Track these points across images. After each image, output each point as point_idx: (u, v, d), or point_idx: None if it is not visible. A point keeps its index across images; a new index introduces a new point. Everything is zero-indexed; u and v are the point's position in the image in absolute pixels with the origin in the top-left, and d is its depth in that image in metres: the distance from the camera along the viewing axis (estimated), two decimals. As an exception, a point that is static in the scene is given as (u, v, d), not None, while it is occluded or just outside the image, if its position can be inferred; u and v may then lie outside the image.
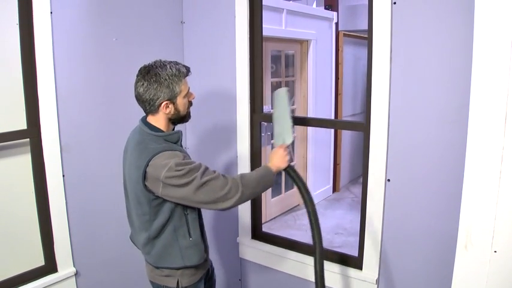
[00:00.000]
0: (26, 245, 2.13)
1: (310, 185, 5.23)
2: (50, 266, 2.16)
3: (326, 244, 4.34)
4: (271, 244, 2.49)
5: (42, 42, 2.00)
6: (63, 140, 2.13)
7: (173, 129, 1.74)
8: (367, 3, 1.94)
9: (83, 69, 2.20)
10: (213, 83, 2.56)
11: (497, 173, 1.19)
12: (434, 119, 1.83)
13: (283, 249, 2.44)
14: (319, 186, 5.41)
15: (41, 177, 2.09)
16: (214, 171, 1.63)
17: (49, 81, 2.04)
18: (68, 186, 2.17)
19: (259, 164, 2.51)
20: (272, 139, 1.83)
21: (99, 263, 2.34)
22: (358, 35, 5.75)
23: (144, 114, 1.73)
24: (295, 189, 5.13)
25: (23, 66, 2.00)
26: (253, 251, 2.56)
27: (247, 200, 1.71)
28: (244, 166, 2.51)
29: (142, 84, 1.61)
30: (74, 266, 2.23)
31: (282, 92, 1.88)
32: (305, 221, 4.77)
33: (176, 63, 1.64)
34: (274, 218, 4.80)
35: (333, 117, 5.43)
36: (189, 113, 1.74)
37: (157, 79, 1.59)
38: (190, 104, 1.72)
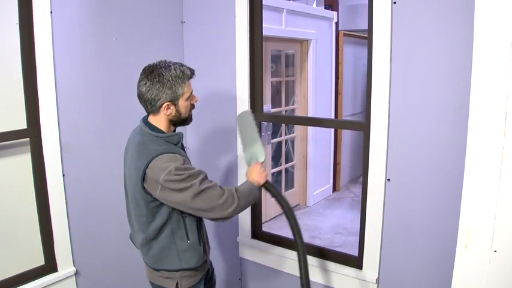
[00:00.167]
0: (26, 245, 2.13)
1: (310, 184, 5.24)
2: (50, 266, 2.16)
3: (326, 244, 4.34)
4: (271, 244, 2.50)
5: (42, 42, 2.00)
6: (63, 140, 2.13)
7: (174, 131, 1.73)
8: (367, 2, 1.94)
9: (83, 68, 2.20)
10: (213, 82, 2.56)
11: (497, 173, 1.19)
12: (435, 119, 1.83)
13: (283, 249, 2.44)
14: (319, 186, 5.41)
15: (41, 176, 2.09)
16: (211, 181, 1.64)
17: (49, 81, 2.04)
18: (68, 186, 2.17)
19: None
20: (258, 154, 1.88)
21: (99, 263, 2.35)
22: (358, 34, 5.75)
23: (145, 114, 1.73)
24: (295, 188, 5.15)
25: (23, 65, 2.00)
26: (253, 251, 2.57)
27: (240, 212, 1.72)
28: (244, 166, 2.50)
29: (145, 83, 1.60)
30: (74, 266, 2.23)
31: (246, 113, 1.94)
32: (305, 220, 4.78)
33: (181, 65, 1.63)
34: (274, 217, 4.80)
35: (333, 116, 5.43)
36: (191, 116, 1.73)
37: (160, 79, 1.58)
38: (192, 106, 1.71)
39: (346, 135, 5.85)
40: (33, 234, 2.12)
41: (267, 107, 4.45)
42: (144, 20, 2.44)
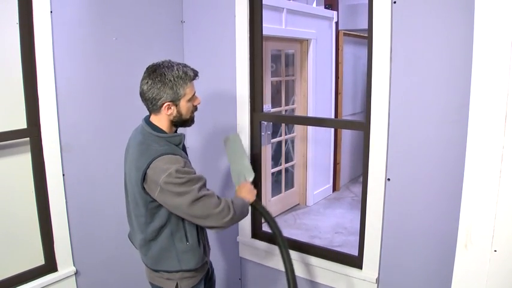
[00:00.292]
0: (26, 244, 2.14)
1: (310, 184, 5.23)
2: (50, 265, 2.16)
3: (326, 243, 4.34)
4: (271, 243, 2.49)
5: (42, 42, 2.00)
6: (63, 140, 2.13)
7: (176, 131, 1.73)
8: (367, 2, 1.94)
9: (83, 68, 2.20)
10: (213, 82, 2.56)
11: (497, 172, 1.19)
12: (435, 119, 1.83)
13: (283, 249, 2.44)
14: (319, 186, 5.41)
15: (41, 176, 2.09)
16: (209, 189, 1.64)
17: (49, 81, 2.04)
18: (68, 186, 2.17)
19: (260, 163, 2.52)
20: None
21: (99, 262, 2.35)
22: (358, 34, 5.75)
23: (147, 114, 1.72)
24: (295, 188, 5.15)
25: (23, 65, 2.00)
26: (253, 250, 2.57)
27: (233, 224, 1.72)
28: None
29: (147, 82, 1.60)
30: (74, 265, 2.23)
31: (234, 136, 1.99)
32: (305, 220, 4.78)
33: (185, 65, 1.62)
34: (274, 217, 4.80)
35: (333, 116, 5.43)
36: (193, 117, 1.72)
37: (161, 79, 1.58)
38: (195, 108, 1.71)
39: (346, 134, 5.85)
40: (33, 234, 2.12)
41: (267, 107, 4.45)
42: (144, 19, 2.44)
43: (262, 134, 3.11)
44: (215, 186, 2.67)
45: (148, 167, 1.55)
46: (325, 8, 5.38)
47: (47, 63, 2.02)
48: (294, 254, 2.39)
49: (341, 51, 5.41)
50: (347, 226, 4.58)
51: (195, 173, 1.62)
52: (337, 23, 5.39)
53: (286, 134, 4.97)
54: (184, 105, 1.64)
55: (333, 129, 5.48)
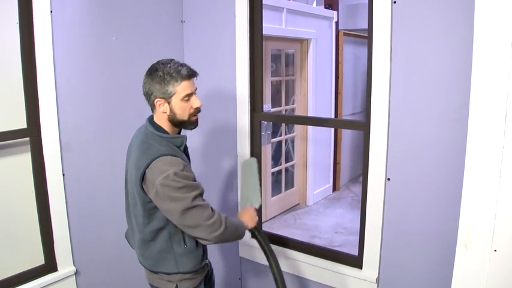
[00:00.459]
0: (26, 244, 2.13)
1: (310, 184, 5.24)
2: (50, 265, 2.16)
3: (326, 243, 4.34)
4: (271, 243, 2.49)
5: (42, 41, 1.99)
6: (63, 139, 2.13)
7: (179, 133, 1.72)
8: (367, 2, 1.94)
9: (83, 68, 2.20)
10: (213, 82, 2.56)
11: (497, 172, 1.19)
12: (435, 118, 1.83)
13: (283, 248, 2.44)
14: (319, 185, 5.41)
15: (41, 176, 2.09)
16: (204, 200, 1.62)
17: (49, 80, 2.04)
18: (68, 186, 2.17)
19: (260, 163, 2.51)
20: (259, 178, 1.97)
21: (99, 262, 2.35)
22: (358, 34, 5.75)
23: (150, 114, 1.72)
24: (295, 188, 5.15)
25: (23, 65, 1.99)
26: (253, 250, 2.56)
27: (221, 242, 1.67)
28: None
29: (144, 77, 1.62)
30: (74, 265, 2.23)
31: (252, 161, 1.98)
32: (305, 220, 4.78)
33: (182, 64, 1.60)
34: (274, 217, 4.81)
35: (333, 116, 5.43)
36: (192, 120, 1.66)
37: (153, 75, 1.59)
38: (194, 111, 1.65)
39: (346, 134, 5.85)
40: (33, 234, 2.12)
41: (267, 107, 4.45)
42: (144, 19, 2.44)
43: (262, 133, 3.12)
44: (215, 186, 2.67)
45: (147, 166, 1.54)
46: (325, 7, 5.38)
47: (47, 63, 2.02)
48: (293, 254, 2.39)
49: (341, 51, 5.42)
50: (347, 226, 4.58)
51: (193, 179, 1.60)
52: (337, 23, 5.40)
53: (286, 134, 4.97)
54: (177, 104, 1.60)
55: (333, 129, 5.49)
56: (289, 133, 5.07)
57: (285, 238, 2.54)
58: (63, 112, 2.12)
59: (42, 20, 1.98)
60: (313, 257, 2.33)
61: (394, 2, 1.84)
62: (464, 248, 1.29)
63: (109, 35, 2.28)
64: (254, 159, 1.98)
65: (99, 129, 2.29)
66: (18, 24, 1.96)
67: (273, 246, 2.46)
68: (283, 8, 4.51)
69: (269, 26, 4.11)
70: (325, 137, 5.46)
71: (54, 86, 2.06)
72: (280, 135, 4.91)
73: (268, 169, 4.60)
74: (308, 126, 5.10)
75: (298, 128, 5.12)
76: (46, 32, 2.00)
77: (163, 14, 2.55)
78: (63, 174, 2.14)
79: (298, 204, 5.22)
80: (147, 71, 1.62)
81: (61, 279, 2.17)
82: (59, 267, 2.17)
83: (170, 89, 1.57)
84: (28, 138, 2.06)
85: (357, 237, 2.19)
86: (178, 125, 1.67)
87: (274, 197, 4.83)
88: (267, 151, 4.53)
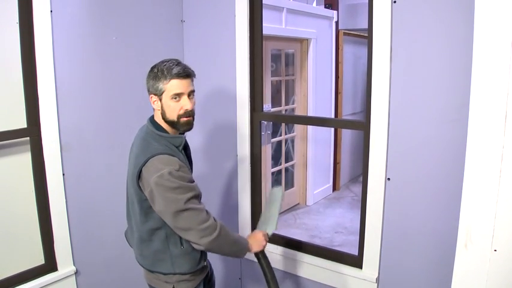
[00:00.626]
0: (26, 244, 2.13)
1: (310, 183, 5.24)
2: (50, 265, 2.16)
3: (326, 243, 4.33)
4: (270, 243, 2.49)
5: (42, 41, 1.99)
6: (63, 139, 2.13)
7: (181, 133, 1.70)
8: (367, 2, 1.94)
9: (83, 67, 2.20)
10: (213, 81, 2.56)
11: (497, 172, 1.19)
12: (435, 118, 1.83)
13: (283, 248, 2.44)
14: (319, 185, 5.41)
15: (41, 176, 2.09)
16: (200, 203, 1.60)
17: (49, 80, 2.04)
18: (68, 185, 2.17)
19: (259, 163, 2.52)
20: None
21: (99, 262, 2.35)
22: (358, 33, 5.75)
23: (150, 113, 1.72)
24: (295, 188, 5.15)
25: (23, 65, 1.99)
26: (253, 250, 2.56)
27: (215, 250, 1.66)
28: (244, 165, 2.51)
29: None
30: (74, 265, 2.23)
31: (279, 190, 2.01)
32: (305, 220, 4.78)
33: (177, 63, 1.59)
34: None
35: (333, 116, 5.43)
36: (182, 122, 1.61)
37: (150, 70, 1.62)
38: (184, 112, 1.60)
39: (346, 134, 5.85)
40: (33, 234, 2.12)
41: (267, 106, 4.45)
42: (144, 19, 2.44)
43: (262, 133, 3.11)
44: (215, 185, 2.67)
45: (144, 164, 1.54)
46: (325, 7, 5.38)
47: (47, 62, 2.02)
48: (293, 254, 2.39)
49: (341, 51, 5.42)
50: (347, 226, 4.58)
51: (189, 181, 1.58)
52: (337, 23, 5.40)
53: (286, 134, 4.97)
54: (166, 102, 1.59)
55: (333, 129, 5.49)
56: (289, 133, 5.07)
57: (285, 238, 2.54)
58: (63, 112, 2.11)
59: (42, 20, 1.98)
60: (313, 256, 2.33)
61: (394, 2, 1.84)
62: (464, 247, 1.29)
63: (109, 35, 2.28)
64: (281, 188, 2.01)
65: (99, 129, 2.29)
66: (18, 24, 1.96)
67: (273, 246, 2.47)
68: (283, 7, 4.51)
69: (269, 26, 4.11)
70: (325, 137, 5.46)
71: (54, 86, 2.06)
72: (280, 135, 4.91)
73: (268, 169, 4.60)
74: (308, 126, 5.10)
75: (298, 127, 5.12)
76: (46, 32, 2.00)
77: (163, 14, 2.55)
78: (63, 174, 2.14)
79: (298, 204, 5.22)
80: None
81: (61, 279, 2.17)
82: (59, 267, 2.18)
83: (160, 85, 1.58)
84: (28, 138, 2.06)
85: (357, 237, 2.19)
86: (171, 125, 1.64)
87: (274, 197, 4.82)
88: (267, 151, 4.53)
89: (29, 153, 2.07)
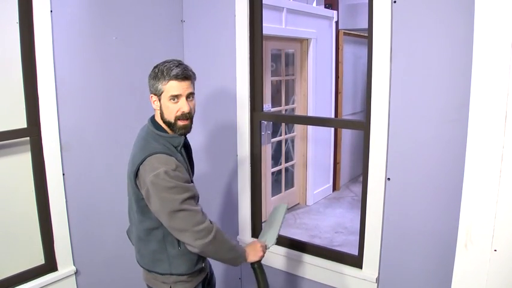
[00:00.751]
0: (26, 244, 2.13)
1: (310, 183, 5.24)
2: (50, 265, 2.16)
3: (326, 243, 4.33)
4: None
5: (42, 41, 1.99)
6: (63, 139, 2.13)
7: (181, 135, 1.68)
8: (367, 2, 1.94)
9: (83, 67, 2.20)
10: (213, 81, 2.56)
11: (497, 172, 1.19)
12: (435, 118, 1.83)
13: (283, 248, 2.44)
14: (319, 185, 5.41)
15: (41, 176, 2.09)
16: (197, 204, 1.59)
17: (49, 80, 2.04)
18: (68, 185, 2.17)
19: (259, 163, 2.52)
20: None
21: (99, 262, 2.35)
22: (358, 33, 5.75)
23: (149, 113, 1.72)
24: (295, 188, 5.15)
25: (23, 64, 1.99)
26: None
27: (209, 254, 1.64)
28: (244, 165, 2.51)
29: None
30: (74, 265, 2.23)
31: (282, 206, 2.00)
32: (305, 219, 4.78)
33: (178, 65, 1.58)
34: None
35: (333, 116, 5.43)
36: (179, 125, 1.61)
37: (152, 70, 1.62)
38: (181, 114, 1.59)
39: (346, 134, 5.85)
40: (33, 234, 2.12)
41: (267, 106, 4.45)
42: (144, 18, 2.44)
43: (262, 133, 3.12)
44: (215, 185, 2.67)
45: (141, 162, 1.54)
46: (325, 7, 5.38)
47: (47, 62, 2.02)
48: (294, 254, 2.39)
49: (341, 51, 5.42)
50: (347, 226, 4.58)
51: (186, 181, 1.57)
52: (337, 23, 5.40)
53: (286, 134, 4.97)
54: (165, 103, 1.59)
55: (333, 129, 5.49)
56: (289, 133, 5.07)
57: (285, 238, 2.54)
58: (63, 112, 2.12)
59: (42, 20, 1.98)
60: (313, 256, 2.33)
61: (394, 2, 1.84)
62: (464, 247, 1.29)
63: (109, 35, 2.28)
64: (285, 206, 2.00)
65: (99, 129, 2.29)
66: (18, 24, 1.96)
67: (273, 246, 2.47)
68: (283, 7, 4.51)
69: (269, 26, 4.11)
70: (325, 137, 5.46)
71: (54, 86, 2.06)
72: (280, 135, 4.91)
73: (268, 169, 4.60)
74: (308, 126, 5.10)
75: (298, 127, 5.12)
76: (46, 31, 2.00)
77: (164, 14, 2.55)
78: (63, 174, 2.14)
79: (298, 204, 5.22)
80: None
81: (61, 279, 2.17)
82: (59, 267, 2.18)
83: (160, 86, 1.58)
84: (28, 138, 2.06)
85: (357, 237, 2.19)
86: (168, 125, 1.63)
87: (274, 197, 4.83)
88: (267, 151, 4.53)
89: (29, 153, 2.07)
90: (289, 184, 5.14)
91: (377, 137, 1.97)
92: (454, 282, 1.33)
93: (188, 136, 1.73)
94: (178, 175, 1.54)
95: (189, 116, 1.62)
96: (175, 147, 1.63)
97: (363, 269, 2.13)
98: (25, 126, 2.05)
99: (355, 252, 2.21)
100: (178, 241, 1.64)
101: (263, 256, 1.80)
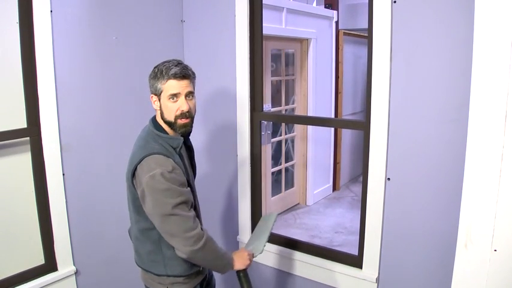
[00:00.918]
0: (26, 244, 2.13)
1: (310, 183, 5.24)
2: (50, 265, 2.16)
3: (326, 243, 4.33)
4: (271, 243, 2.49)
5: (42, 41, 1.99)
6: (63, 139, 2.13)
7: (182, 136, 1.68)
8: (367, 2, 1.94)
9: (83, 67, 2.20)
10: (213, 81, 2.56)
11: (497, 172, 1.19)
12: (435, 118, 1.83)
13: (283, 248, 2.44)
14: (319, 185, 5.41)
15: (41, 176, 2.09)
16: (190, 210, 1.58)
17: (49, 80, 2.04)
18: (68, 185, 2.17)
19: (259, 163, 2.52)
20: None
21: (99, 262, 2.35)
22: (358, 33, 5.75)
23: (148, 113, 1.72)
24: (295, 188, 5.15)
25: (23, 64, 1.99)
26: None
27: (198, 261, 1.63)
28: (244, 165, 2.51)
29: None
30: (74, 265, 2.23)
31: (272, 216, 2.01)
32: (305, 219, 4.78)
33: (177, 64, 1.59)
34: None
35: (333, 116, 5.43)
36: (179, 124, 1.61)
37: (152, 70, 1.62)
38: (180, 113, 1.59)
39: (346, 134, 5.85)
40: (33, 234, 2.12)
41: (267, 106, 4.45)
42: (144, 18, 2.44)
43: (262, 133, 3.11)
44: (215, 185, 2.67)
45: (139, 162, 1.54)
46: (325, 7, 5.38)
47: (47, 62, 2.02)
48: (293, 254, 2.39)
49: (341, 51, 5.42)
50: (347, 226, 4.58)
51: (181, 184, 1.56)
52: (337, 23, 5.40)
53: (286, 134, 4.97)
54: (164, 102, 1.59)
55: (333, 129, 5.49)
56: (289, 133, 5.07)
57: (285, 238, 2.54)
58: (63, 111, 2.12)
59: (42, 20, 1.98)
60: (313, 256, 2.33)
61: (394, 2, 1.84)
62: (464, 247, 1.29)
63: (109, 35, 2.28)
64: (275, 215, 2.01)
65: (99, 129, 2.29)
66: (18, 24, 1.96)
67: (273, 246, 2.47)
68: (283, 7, 4.51)
69: (269, 26, 4.11)
70: (325, 137, 5.46)
71: (54, 86, 2.06)
72: (280, 135, 4.91)
73: (268, 169, 4.60)
74: (308, 126, 5.10)
75: (298, 127, 5.12)
76: (46, 32, 2.00)
77: (164, 14, 2.55)
78: (63, 174, 2.14)
79: (298, 204, 5.22)
80: None
81: (61, 279, 2.17)
82: (59, 267, 2.18)
83: (159, 85, 1.59)
84: (28, 138, 2.06)
85: (357, 237, 2.19)
86: (169, 125, 1.63)
87: (274, 197, 4.83)
88: (267, 151, 4.53)
89: (29, 153, 2.07)
90: (289, 184, 5.14)
91: (377, 137, 1.97)
92: (454, 282, 1.33)
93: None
94: (174, 177, 1.53)
95: (188, 115, 1.62)
96: (174, 149, 1.62)
97: (363, 269, 2.13)
98: (25, 126, 2.05)
99: (355, 252, 2.21)
100: None
101: (249, 265, 1.79)
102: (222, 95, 2.54)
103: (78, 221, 2.23)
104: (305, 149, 5.18)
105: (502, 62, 1.16)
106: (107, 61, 2.29)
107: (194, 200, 1.70)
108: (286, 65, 4.88)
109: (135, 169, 1.56)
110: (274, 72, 4.74)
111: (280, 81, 4.78)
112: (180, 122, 1.61)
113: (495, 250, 1.22)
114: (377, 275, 2.08)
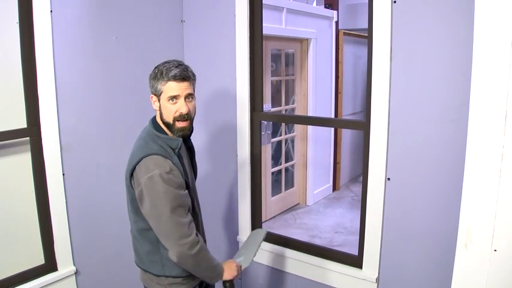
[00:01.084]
0: (26, 244, 2.13)
1: (310, 183, 5.24)
2: (50, 265, 2.16)
3: (326, 243, 4.34)
4: (271, 243, 2.49)
5: (42, 41, 1.99)
6: (63, 139, 2.13)
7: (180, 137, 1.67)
8: (367, 2, 1.94)
9: (83, 67, 2.20)
10: (213, 81, 2.56)
11: (497, 172, 1.19)
12: (435, 118, 1.83)
13: (283, 248, 2.44)
14: (319, 185, 5.41)
15: (41, 176, 2.09)
16: (187, 215, 1.57)
17: (49, 80, 2.04)
18: (68, 185, 2.17)
19: (260, 163, 2.52)
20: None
21: (99, 262, 2.35)
22: (358, 33, 5.75)
23: (148, 113, 1.72)
24: (295, 188, 5.15)
25: (23, 64, 1.99)
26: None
27: (185, 267, 1.61)
28: (244, 165, 2.51)
29: None
30: (74, 265, 2.23)
31: (262, 231, 2.04)
32: (305, 219, 4.78)
33: (178, 66, 1.58)
34: (274, 216, 4.81)
35: (333, 116, 5.43)
36: (177, 126, 1.60)
37: (152, 70, 1.62)
38: (179, 115, 1.59)
39: (346, 134, 5.85)
40: (33, 234, 2.12)
41: (267, 106, 4.45)
42: (144, 18, 2.44)
43: (262, 133, 3.12)
44: (215, 185, 2.67)
45: (138, 162, 1.54)
46: (325, 7, 5.38)
47: (47, 62, 2.02)
48: (294, 254, 2.39)
49: (341, 51, 5.42)
50: (347, 226, 4.58)
51: (179, 186, 1.55)
52: (337, 23, 5.40)
53: (286, 134, 4.97)
54: (164, 103, 1.59)
55: (332, 129, 5.49)
56: (289, 133, 5.07)
57: (285, 238, 2.54)
58: (63, 111, 2.12)
59: (42, 20, 1.98)
60: (313, 256, 2.33)
61: (394, 2, 1.84)
62: (464, 247, 1.29)
63: (109, 35, 2.28)
64: (265, 231, 2.03)
65: (99, 129, 2.29)
66: (18, 24, 1.96)
67: (273, 246, 2.47)
68: (283, 7, 4.51)
69: (269, 26, 4.11)
70: (325, 137, 5.46)
71: (54, 86, 2.06)
72: (280, 135, 4.91)
73: (268, 169, 4.60)
74: (308, 126, 5.10)
75: (298, 127, 5.12)
76: (46, 32, 2.00)
77: (164, 14, 2.55)
78: (63, 174, 2.14)
79: (298, 204, 5.22)
80: None
81: (61, 279, 2.17)
82: (59, 267, 2.18)
83: (159, 86, 1.58)
84: (28, 138, 2.06)
85: (357, 237, 2.19)
86: (167, 126, 1.62)
87: (274, 197, 4.83)
88: (267, 151, 4.53)
89: (29, 153, 2.07)
90: (289, 184, 5.14)
91: (377, 136, 1.97)
92: (454, 282, 1.33)
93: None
94: (172, 179, 1.53)
95: (187, 118, 1.61)
96: (173, 149, 1.61)
97: (363, 269, 2.13)
98: (25, 126, 2.05)
99: (355, 252, 2.21)
100: None
101: (237, 276, 1.79)
102: (222, 95, 2.54)
103: (78, 221, 2.23)
104: (305, 149, 5.17)
105: (502, 62, 1.16)
106: (107, 61, 2.29)
107: (194, 200, 1.71)
108: (286, 65, 4.88)
109: (134, 169, 1.56)
110: (274, 72, 4.74)
111: (280, 81, 4.78)
112: (178, 125, 1.61)
113: (495, 250, 1.22)
114: (377, 275, 2.08)
